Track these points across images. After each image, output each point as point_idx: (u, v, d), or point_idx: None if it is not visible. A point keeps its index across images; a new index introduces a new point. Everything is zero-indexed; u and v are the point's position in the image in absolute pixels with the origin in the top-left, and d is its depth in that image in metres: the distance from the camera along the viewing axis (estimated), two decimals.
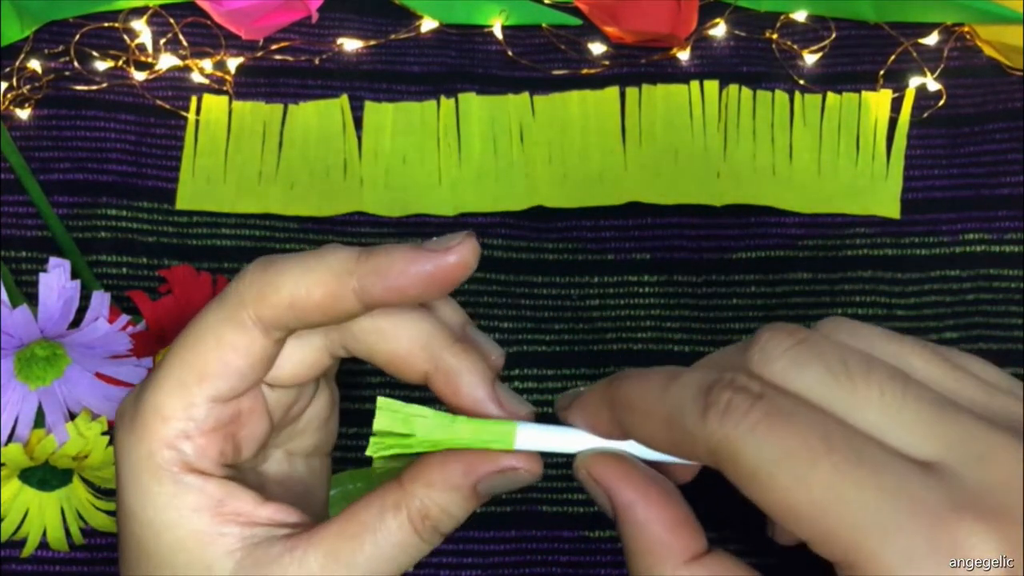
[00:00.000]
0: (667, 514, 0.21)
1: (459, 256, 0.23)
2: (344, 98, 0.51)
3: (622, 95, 0.51)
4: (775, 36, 0.53)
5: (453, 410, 0.24)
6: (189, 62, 0.52)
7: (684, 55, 0.52)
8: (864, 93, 0.51)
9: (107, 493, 0.42)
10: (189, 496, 0.24)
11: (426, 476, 0.24)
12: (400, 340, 0.24)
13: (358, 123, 0.51)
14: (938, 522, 0.18)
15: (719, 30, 0.53)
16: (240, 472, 0.26)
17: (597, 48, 0.53)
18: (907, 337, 0.21)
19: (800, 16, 0.53)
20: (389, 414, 0.23)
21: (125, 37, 0.52)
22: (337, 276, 0.23)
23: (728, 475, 0.20)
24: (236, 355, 0.24)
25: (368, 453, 0.24)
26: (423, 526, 0.24)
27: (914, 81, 0.51)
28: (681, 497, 0.22)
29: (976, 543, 0.17)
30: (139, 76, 0.51)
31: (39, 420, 0.41)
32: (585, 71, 0.52)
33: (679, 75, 0.52)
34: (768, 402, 0.19)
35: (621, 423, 0.22)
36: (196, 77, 0.51)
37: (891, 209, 0.49)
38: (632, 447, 0.23)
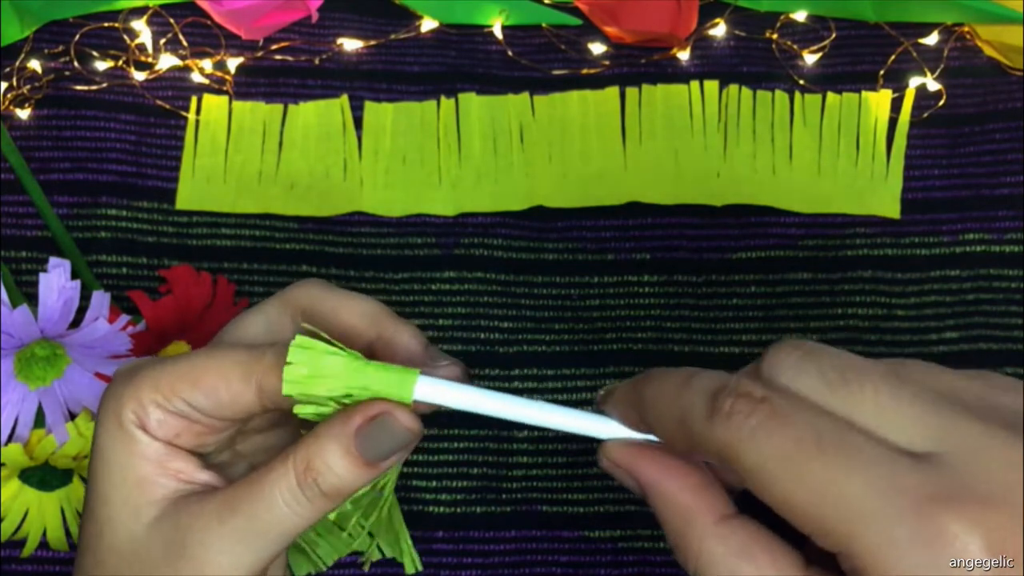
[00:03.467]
0: (691, 482, 0.23)
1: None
2: (344, 98, 0.51)
3: (622, 95, 0.51)
4: (775, 36, 0.53)
5: None
6: (189, 62, 0.52)
7: (684, 55, 0.52)
8: (864, 93, 0.51)
9: None
10: (142, 445, 0.26)
11: (314, 430, 0.25)
12: (352, 315, 0.28)
13: (358, 123, 0.51)
14: (924, 511, 0.18)
15: (719, 30, 0.53)
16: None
17: (597, 48, 0.53)
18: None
19: (800, 16, 0.53)
20: (302, 350, 0.25)
21: (125, 37, 0.52)
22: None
23: (737, 475, 0.21)
24: (230, 396, 0.26)
25: (284, 392, 0.25)
26: (305, 477, 0.25)
27: (914, 81, 0.51)
28: (703, 467, 0.23)
29: (959, 532, 0.18)
30: (139, 76, 0.51)
31: (39, 420, 0.41)
32: (585, 71, 0.52)
33: (679, 75, 0.52)
34: (767, 406, 0.20)
35: (644, 420, 0.24)
36: (196, 77, 0.51)
37: (891, 209, 0.49)
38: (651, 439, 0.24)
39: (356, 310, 0.28)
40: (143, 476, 0.26)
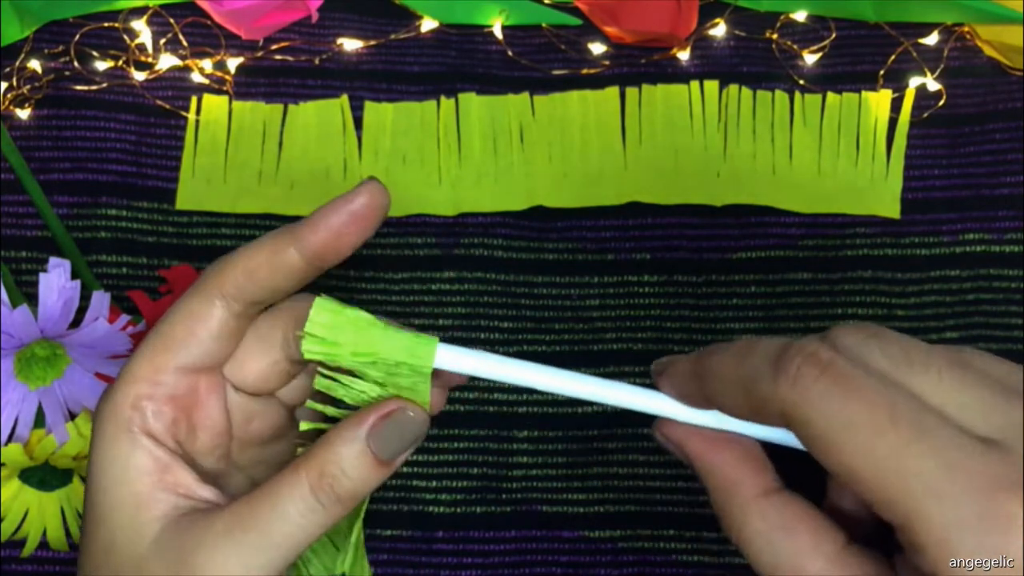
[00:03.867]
0: (736, 455, 0.23)
1: (367, 196, 0.26)
2: (344, 98, 0.51)
3: (622, 95, 0.51)
4: (775, 36, 0.53)
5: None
6: (189, 62, 0.52)
7: (684, 55, 0.52)
8: (864, 93, 0.51)
9: None
10: (139, 456, 0.26)
11: (324, 437, 0.25)
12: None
13: (358, 123, 0.51)
14: (992, 495, 0.18)
15: (719, 30, 0.53)
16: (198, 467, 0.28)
17: (597, 48, 0.53)
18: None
19: (800, 16, 0.53)
20: (325, 307, 0.25)
21: (125, 37, 0.52)
22: (277, 238, 0.26)
23: (799, 438, 0.21)
24: (200, 325, 0.27)
25: (304, 349, 0.25)
26: (319, 484, 0.25)
27: (914, 81, 0.51)
28: (754, 443, 0.24)
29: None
30: (139, 76, 0.51)
31: (39, 420, 0.41)
32: (585, 71, 0.52)
33: (679, 75, 0.52)
34: (837, 369, 0.20)
35: (705, 392, 0.24)
36: (196, 77, 0.51)
37: (891, 209, 0.49)
38: (711, 419, 0.24)
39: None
40: (140, 493, 0.26)
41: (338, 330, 0.24)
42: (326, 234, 0.26)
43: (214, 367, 0.28)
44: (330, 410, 0.26)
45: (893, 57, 0.52)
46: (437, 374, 0.25)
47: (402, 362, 0.25)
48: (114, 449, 0.26)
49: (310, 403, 0.26)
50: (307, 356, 0.25)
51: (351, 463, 0.25)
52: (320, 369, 0.25)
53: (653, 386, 0.25)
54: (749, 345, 0.22)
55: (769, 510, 0.22)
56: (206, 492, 0.27)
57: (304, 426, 0.26)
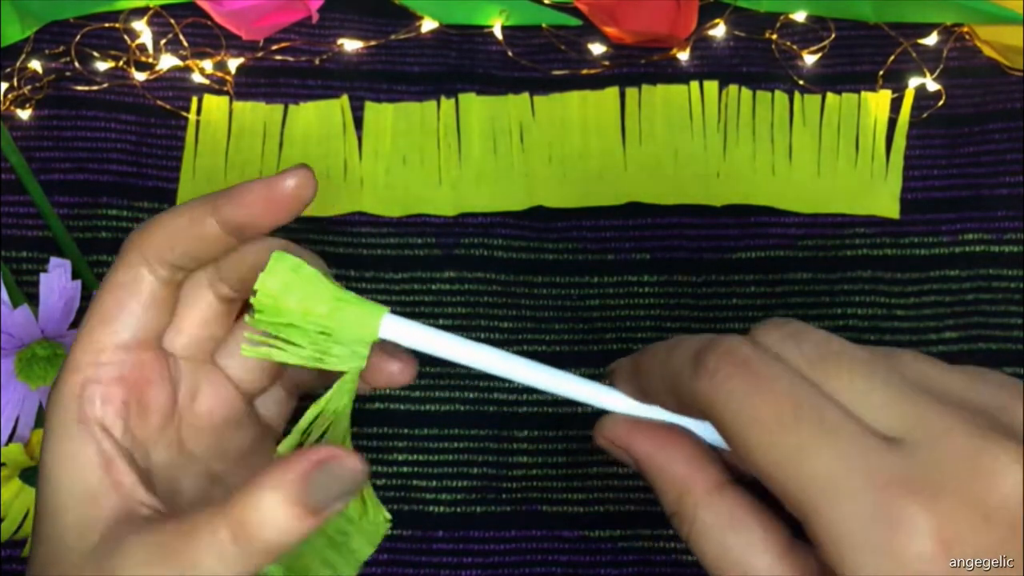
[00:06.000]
0: (684, 452, 0.23)
1: (296, 180, 0.26)
2: (344, 98, 0.51)
3: (622, 95, 0.51)
4: (775, 36, 0.53)
5: None
6: (189, 62, 0.52)
7: (684, 55, 0.52)
8: (864, 93, 0.51)
9: None
10: (89, 449, 0.25)
11: (254, 480, 0.23)
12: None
13: (358, 123, 0.51)
14: (888, 494, 0.19)
15: (719, 30, 0.53)
16: (149, 473, 0.27)
17: (597, 48, 0.53)
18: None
19: (800, 16, 0.53)
20: (283, 265, 0.25)
21: (126, 37, 0.52)
22: (196, 206, 0.26)
23: (719, 433, 0.21)
24: (128, 295, 0.26)
25: (254, 304, 0.24)
26: (240, 533, 0.22)
27: (913, 81, 0.51)
28: (695, 438, 0.24)
29: (913, 517, 0.18)
30: (140, 76, 0.51)
31: (40, 420, 0.41)
32: (585, 71, 0.52)
33: (679, 75, 0.52)
34: (751, 366, 0.21)
35: (641, 387, 0.24)
36: (196, 77, 0.51)
37: (891, 209, 0.49)
38: (651, 412, 0.24)
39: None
40: (90, 488, 0.25)
41: (290, 288, 0.24)
42: (245, 211, 0.26)
43: (152, 340, 0.27)
44: (277, 353, 0.25)
45: (892, 57, 0.52)
46: (387, 351, 0.25)
47: (348, 326, 0.25)
48: (64, 442, 0.26)
49: (245, 352, 0.25)
50: (257, 307, 0.24)
51: (276, 513, 0.22)
52: (247, 335, 0.25)
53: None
54: (678, 341, 0.23)
55: (719, 504, 0.22)
56: (144, 496, 0.25)
57: (283, 448, 0.25)
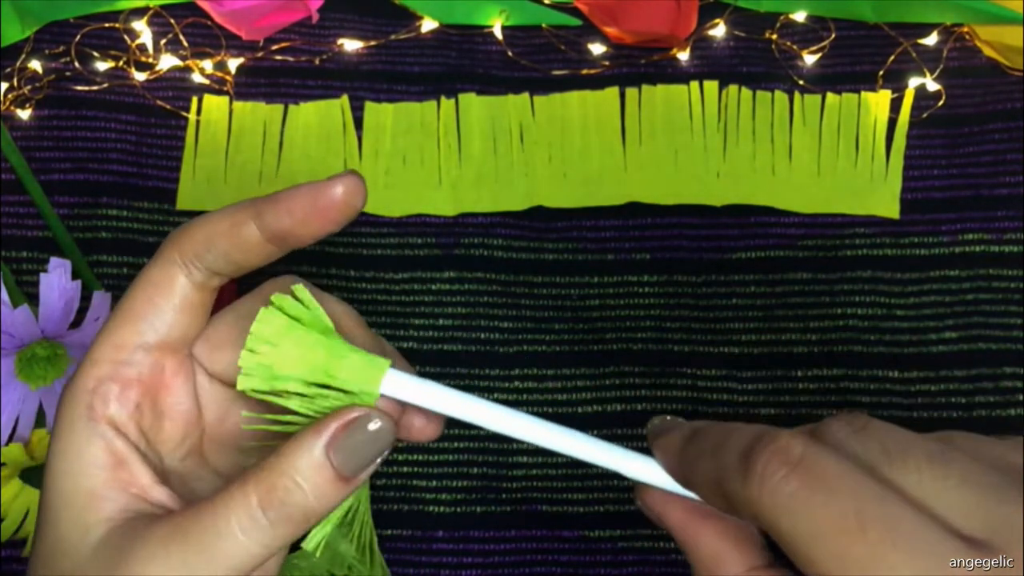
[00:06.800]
0: (720, 528, 0.22)
1: (345, 187, 0.24)
2: (344, 98, 0.51)
3: (622, 95, 0.51)
4: (775, 36, 0.53)
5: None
6: (190, 62, 0.52)
7: (684, 55, 0.52)
8: (864, 93, 0.51)
9: None
10: (95, 448, 0.24)
11: (278, 448, 0.23)
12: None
13: (358, 123, 0.51)
14: None
15: (719, 30, 0.53)
16: (166, 473, 0.26)
17: (597, 48, 0.53)
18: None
19: (800, 16, 0.53)
20: (275, 312, 0.23)
21: (126, 37, 0.52)
22: (239, 210, 0.25)
23: (776, 541, 0.19)
24: (160, 294, 0.25)
25: (240, 363, 0.23)
26: (268, 499, 0.22)
27: (913, 81, 0.51)
28: (738, 520, 0.22)
29: None
30: (140, 76, 0.51)
31: (40, 420, 0.41)
32: (585, 71, 0.52)
33: (679, 75, 0.52)
34: (805, 469, 0.19)
35: (686, 479, 0.22)
36: (196, 77, 0.51)
37: (891, 209, 0.49)
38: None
39: (329, 310, 0.26)
40: (93, 489, 0.24)
41: (281, 342, 0.23)
42: (288, 219, 0.24)
43: (179, 345, 0.26)
44: (276, 426, 0.24)
45: (892, 57, 0.52)
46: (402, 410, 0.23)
47: (348, 382, 0.23)
48: (70, 439, 0.24)
49: (245, 426, 0.24)
50: (241, 387, 0.23)
51: (307, 476, 0.22)
52: (243, 413, 0.24)
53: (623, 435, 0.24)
54: (725, 434, 0.21)
55: None
56: (160, 494, 0.24)
57: (243, 384, 0.24)
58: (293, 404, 0.23)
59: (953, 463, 0.19)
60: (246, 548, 0.22)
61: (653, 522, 0.23)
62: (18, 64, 0.51)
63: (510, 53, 0.53)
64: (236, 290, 0.46)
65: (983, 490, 0.18)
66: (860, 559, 0.18)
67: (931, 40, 0.52)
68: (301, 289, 0.24)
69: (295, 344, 0.23)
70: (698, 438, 0.22)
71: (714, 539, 0.21)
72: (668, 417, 0.23)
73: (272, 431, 0.24)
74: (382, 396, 0.23)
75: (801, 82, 0.52)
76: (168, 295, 0.25)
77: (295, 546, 0.28)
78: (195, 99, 0.51)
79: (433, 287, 0.48)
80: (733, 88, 0.51)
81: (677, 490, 0.22)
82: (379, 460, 0.23)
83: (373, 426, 0.22)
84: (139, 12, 0.52)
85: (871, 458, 0.19)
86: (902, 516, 0.18)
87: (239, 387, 0.23)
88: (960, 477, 0.19)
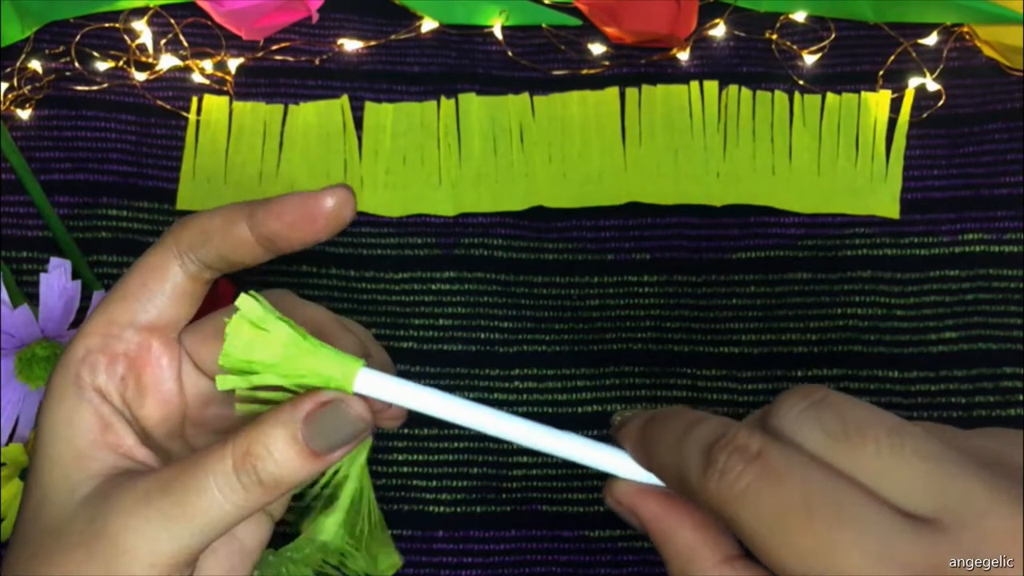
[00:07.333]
0: (693, 520, 0.22)
1: (335, 200, 0.26)
2: (344, 98, 0.51)
3: (622, 95, 0.51)
4: (775, 36, 0.53)
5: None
6: (190, 62, 0.52)
7: (684, 55, 0.52)
8: (863, 93, 0.51)
9: None
10: (84, 411, 0.26)
11: (259, 417, 0.24)
12: (301, 319, 0.27)
13: (358, 123, 0.51)
14: None
15: (719, 30, 0.53)
16: (151, 447, 0.27)
17: (597, 48, 0.53)
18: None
19: (800, 16, 0.53)
20: (247, 314, 0.24)
21: (126, 37, 0.52)
22: (234, 209, 0.26)
23: (736, 534, 0.20)
24: (154, 278, 0.27)
25: (220, 363, 0.24)
26: (243, 462, 0.24)
27: (913, 81, 0.51)
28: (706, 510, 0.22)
29: None
30: (140, 76, 0.51)
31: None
32: (585, 71, 0.52)
33: (679, 75, 0.52)
34: (761, 463, 0.19)
35: (646, 465, 0.23)
36: (197, 77, 0.51)
37: (891, 209, 0.49)
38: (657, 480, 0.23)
39: (304, 315, 0.28)
40: (81, 450, 0.25)
41: (257, 349, 0.24)
42: (277, 223, 0.26)
43: (168, 329, 0.27)
44: (267, 406, 0.25)
45: (892, 57, 0.52)
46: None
47: (321, 381, 0.24)
48: (60, 404, 0.26)
49: (239, 407, 0.25)
50: (220, 387, 0.24)
51: (279, 446, 0.23)
52: (237, 400, 0.25)
53: (610, 438, 0.24)
54: (688, 428, 0.21)
55: (737, 574, 0.21)
56: (145, 455, 0.26)
57: (221, 383, 0.25)
58: (273, 395, 0.25)
59: (910, 437, 0.19)
60: (220, 506, 0.24)
61: (622, 518, 0.23)
62: (18, 64, 0.51)
63: (510, 53, 0.53)
64: (236, 291, 0.46)
65: (937, 465, 0.19)
66: (810, 545, 0.18)
67: (931, 40, 0.52)
68: (257, 298, 0.24)
69: (266, 347, 0.24)
70: (655, 423, 0.22)
71: (690, 531, 0.22)
72: (628, 412, 0.24)
73: (263, 411, 0.25)
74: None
75: (801, 82, 0.52)
76: (162, 280, 0.27)
77: (289, 541, 0.29)
78: (195, 99, 0.51)
79: (433, 287, 0.48)
80: (733, 88, 0.51)
81: (650, 481, 0.23)
82: (354, 443, 0.24)
83: (346, 409, 0.24)
84: (139, 12, 0.52)
85: (829, 431, 0.19)
86: (848, 499, 0.18)
87: (219, 387, 0.24)
88: (915, 451, 0.19)
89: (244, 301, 0.24)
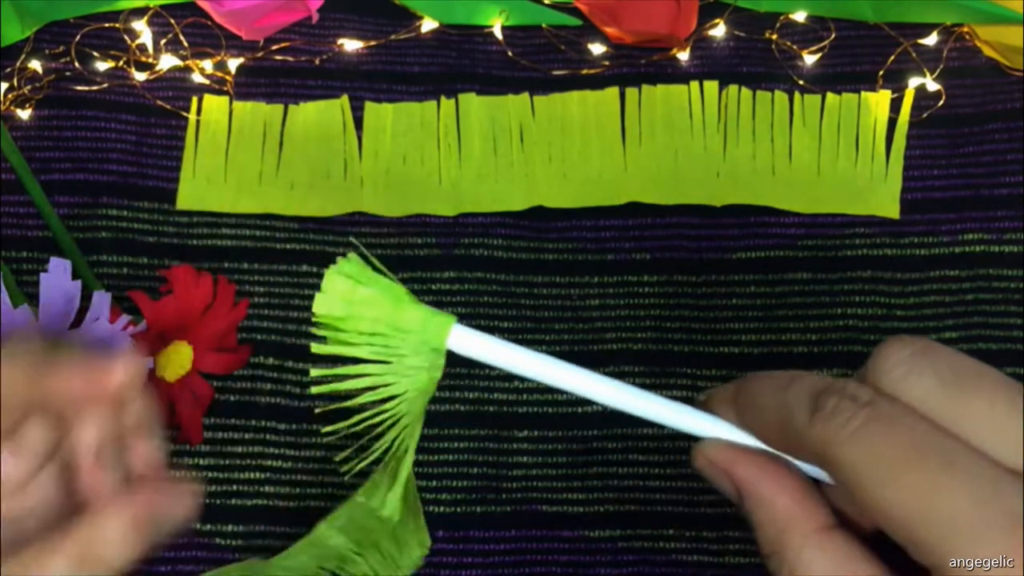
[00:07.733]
0: (791, 486, 0.22)
1: (123, 373, 0.25)
2: (344, 98, 0.51)
3: (622, 95, 0.51)
4: (775, 36, 0.53)
5: None
6: (190, 62, 0.52)
7: (684, 55, 0.52)
8: (864, 93, 0.51)
9: None
10: None
11: (100, 506, 0.25)
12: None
13: (358, 123, 0.51)
14: (1016, 533, 0.17)
15: (719, 30, 0.53)
16: None
17: (597, 48, 0.53)
18: None
19: (800, 16, 0.53)
20: (344, 268, 0.24)
21: (126, 37, 0.52)
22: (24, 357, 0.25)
23: (832, 477, 0.20)
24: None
25: (315, 308, 0.24)
26: (85, 549, 0.24)
27: (913, 81, 0.51)
28: (803, 473, 0.22)
29: None
30: (140, 76, 0.51)
31: None
32: (585, 71, 0.52)
33: (679, 75, 0.52)
34: (872, 409, 0.19)
35: (743, 421, 0.23)
36: (197, 77, 0.51)
37: (891, 209, 0.49)
38: (755, 441, 0.23)
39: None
40: None
41: (351, 304, 0.24)
42: (60, 388, 0.25)
43: None
44: (348, 349, 0.25)
45: (892, 57, 0.52)
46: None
47: (414, 335, 0.24)
48: None
49: (314, 389, 0.25)
50: (316, 310, 0.24)
51: (113, 536, 0.24)
52: (312, 372, 0.25)
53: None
54: (791, 377, 0.21)
55: (828, 546, 0.21)
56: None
57: (315, 348, 0.25)
58: (362, 352, 0.24)
59: (1017, 399, 0.19)
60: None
61: (709, 481, 0.23)
62: (18, 64, 0.51)
63: (510, 53, 0.53)
64: (236, 290, 0.46)
65: None
66: (917, 483, 0.18)
67: (931, 40, 0.52)
68: (354, 260, 0.25)
69: (367, 292, 0.24)
70: (754, 380, 0.22)
71: (788, 497, 0.21)
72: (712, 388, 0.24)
73: (339, 390, 0.25)
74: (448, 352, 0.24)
75: (801, 82, 0.52)
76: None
77: (289, 542, 0.29)
78: (195, 99, 0.51)
79: (433, 287, 0.48)
80: (733, 88, 0.51)
81: (745, 442, 0.23)
82: (176, 530, 0.26)
83: (173, 510, 0.25)
84: (139, 12, 0.52)
85: (944, 378, 0.20)
86: (958, 448, 0.19)
87: (316, 310, 0.24)
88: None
89: (343, 262, 0.24)
